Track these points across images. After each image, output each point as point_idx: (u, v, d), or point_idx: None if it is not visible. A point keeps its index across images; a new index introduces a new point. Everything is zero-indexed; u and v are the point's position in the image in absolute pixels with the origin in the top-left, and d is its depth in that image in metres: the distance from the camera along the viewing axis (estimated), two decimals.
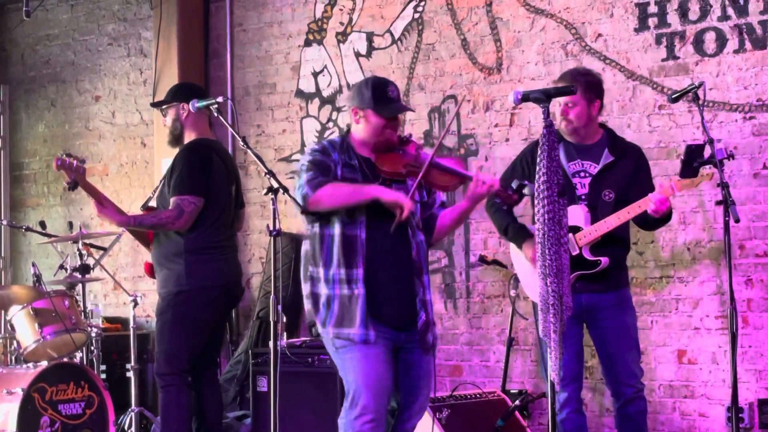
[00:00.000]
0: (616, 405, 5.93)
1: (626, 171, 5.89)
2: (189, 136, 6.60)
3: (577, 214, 5.85)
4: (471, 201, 5.28)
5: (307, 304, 5.35)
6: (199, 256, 6.40)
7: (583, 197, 5.89)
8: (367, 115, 5.30)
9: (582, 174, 5.92)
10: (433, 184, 5.28)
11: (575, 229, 5.84)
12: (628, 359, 5.88)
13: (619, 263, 5.96)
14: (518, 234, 6.04)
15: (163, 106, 6.70)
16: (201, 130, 6.63)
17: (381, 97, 5.30)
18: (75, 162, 6.85)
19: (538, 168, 4.60)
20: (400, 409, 5.38)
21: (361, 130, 5.33)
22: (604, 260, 5.83)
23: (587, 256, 5.84)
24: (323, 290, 5.25)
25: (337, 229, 5.23)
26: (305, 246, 5.38)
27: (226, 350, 8.63)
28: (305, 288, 5.35)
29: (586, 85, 5.85)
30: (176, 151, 6.58)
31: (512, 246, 6.12)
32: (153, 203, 6.79)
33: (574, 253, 5.79)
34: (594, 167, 5.91)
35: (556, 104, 5.84)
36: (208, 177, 6.44)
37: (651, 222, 5.87)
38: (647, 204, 5.68)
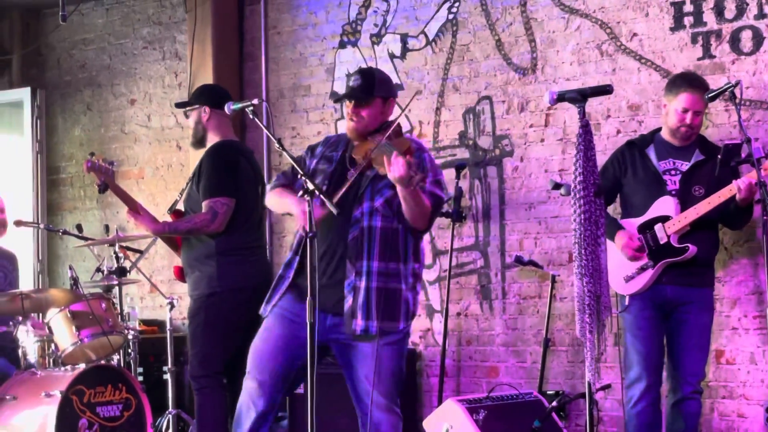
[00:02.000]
0: (672, 400, 6.04)
1: (716, 169, 6.01)
2: (212, 139, 6.62)
3: (667, 204, 6.10)
4: (397, 185, 5.19)
5: None
6: (230, 258, 6.42)
7: (673, 193, 6.12)
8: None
9: (672, 172, 6.17)
10: (378, 168, 5.29)
11: (664, 219, 6.08)
12: (695, 357, 6.10)
13: (707, 261, 6.20)
14: (609, 227, 6.05)
15: (186, 108, 6.73)
16: (224, 132, 6.64)
17: (345, 89, 5.60)
18: (105, 164, 6.90)
19: (574, 168, 4.59)
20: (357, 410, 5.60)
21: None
22: (692, 248, 6.03)
23: (675, 243, 6.05)
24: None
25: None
26: None
27: None
28: None
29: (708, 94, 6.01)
30: None
31: None
32: (180, 206, 6.81)
33: (662, 242, 6.05)
34: (684, 165, 6.15)
35: (671, 110, 6.16)
36: (235, 178, 6.47)
37: (736, 213, 6.06)
38: (735, 188, 5.86)
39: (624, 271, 6.14)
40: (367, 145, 5.38)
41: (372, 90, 5.49)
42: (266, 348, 5.48)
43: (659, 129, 6.34)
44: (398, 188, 5.19)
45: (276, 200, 5.56)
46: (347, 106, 5.50)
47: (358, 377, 5.49)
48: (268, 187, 5.65)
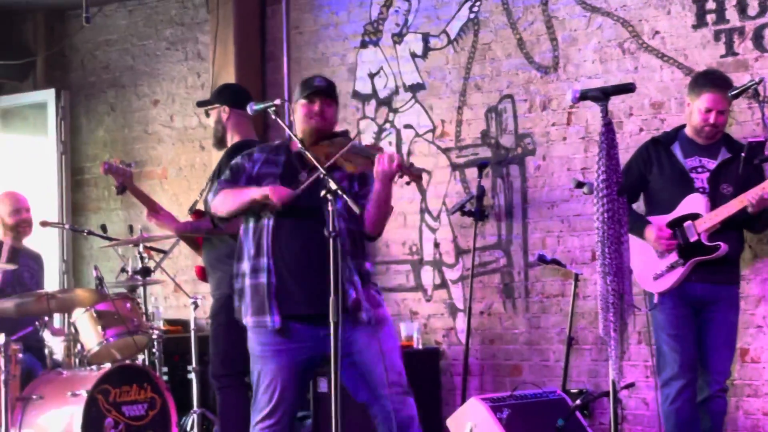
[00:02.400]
0: (698, 398, 6.01)
1: (740, 167, 6.01)
2: (232, 138, 6.64)
3: (696, 202, 6.08)
4: (379, 180, 5.26)
5: (235, 301, 5.51)
6: None
7: (701, 191, 6.10)
8: (295, 107, 5.54)
9: (699, 169, 6.14)
10: (345, 167, 5.36)
11: (693, 217, 6.05)
12: (723, 355, 6.11)
13: (734, 258, 6.19)
14: (636, 224, 6.07)
15: (206, 108, 6.76)
16: (244, 131, 6.66)
17: (305, 86, 5.54)
18: (122, 166, 6.93)
19: (596, 166, 4.59)
20: (372, 400, 5.50)
21: (296, 122, 5.55)
22: (723, 246, 6.01)
23: (705, 241, 6.02)
24: (240, 283, 5.43)
25: (250, 222, 5.44)
26: (223, 249, 5.72)
27: None
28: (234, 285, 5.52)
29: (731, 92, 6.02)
30: None
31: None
32: (200, 206, 6.83)
33: (692, 240, 6.03)
34: (711, 163, 6.12)
35: (695, 109, 6.11)
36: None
37: (757, 217, 6.04)
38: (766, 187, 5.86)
39: (653, 269, 6.12)
40: (326, 148, 5.40)
41: (335, 92, 5.63)
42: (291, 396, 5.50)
43: (683, 126, 6.29)
44: (378, 186, 5.27)
45: (230, 197, 5.41)
46: (313, 105, 5.48)
47: (370, 364, 5.44)
48: (212, 191, 5.51)
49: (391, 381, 5.43)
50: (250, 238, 5.41)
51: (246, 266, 5.41)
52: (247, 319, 5.40)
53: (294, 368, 5.42)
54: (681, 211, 6.11)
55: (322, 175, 5.33)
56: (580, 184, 7.03)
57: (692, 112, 6.13)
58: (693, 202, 6.05)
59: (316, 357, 5.43)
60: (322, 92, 5.53)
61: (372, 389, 5.47)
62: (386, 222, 5.47)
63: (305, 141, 5.46)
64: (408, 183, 5.39)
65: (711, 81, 6.14)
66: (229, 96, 6.68)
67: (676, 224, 6.10)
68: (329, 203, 5.13)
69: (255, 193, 5.34)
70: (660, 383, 6.14)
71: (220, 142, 6.72)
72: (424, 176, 8.24)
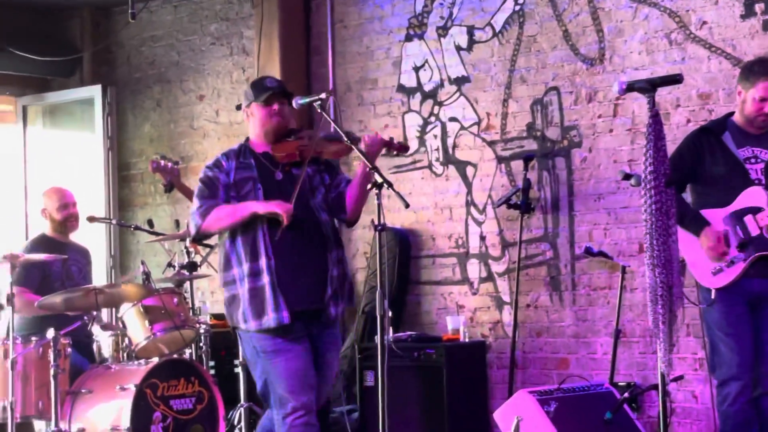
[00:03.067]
0: (753, 394, 5.90)
1: None
2: None
3: (757, 195, 5.85)
4: (366, 159, 5.50)
5: (226, 310, 5.67)
6: None
7: (756, 182, 5.89)
8: (252, 110, 5.71)
9: (753, 160, 5.93)
10: (323, 153, 5.63)
11: (755, 210, 5.83)
12: None
13: None
14: (695, 222, 5.90)
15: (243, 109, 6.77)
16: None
17: (260, 88, 5.70)
18: (170, 164, 6.96)
19: (644, 158, 4.57)
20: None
21: (252, 127, 5.72)
22: None
23: (767, 236, 5.81)
24: (237, 291, 5.56)
25: (237, 232, 5.57)
26: (219, 257, 5.73)
27: None
28: (224, 294, 5.67)
29: None
30: None
31: (678, 230, 5.93)
32: None
33: (754, 234, 5.82)
34: (765, 153, 5.93)
35: (749, 98, 5.90)
36: None
37: None
38: None
39: (711, 264, 5.90)
40: (295, 143, 5.59)
41: (287, 91, 5.79)
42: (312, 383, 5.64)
43: (730, 114, 6.14)
44: (361, 172, 5.56)
45: (226, 214, 5.55)
46: (272, 106, 5.64)
47: (325, 362, 5.69)
48: (197, 213, 5.60)
49: (325, 395, 5.80)
50: (239, 245, 5.56)
51: (239, 272, 5.55)
52: (250, 325, 5.52)
53: (304, 362, 5.56)
54: (740, 205, 5.89)
55: (368, 168, 5.36)
56: (627, 176, 6.98)
57: (745, 101, 5.97)
58: (753, 195, 5.82)
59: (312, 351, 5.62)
60: (278, 93, 5.69)
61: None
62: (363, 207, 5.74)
63: (267, 138, 5.68)
64: (396, 154, 5.64)
65: (766, 69, 6.01)
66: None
67: (736, 218, 5.96)
68: (377, 196, 5.21)
69: (258, 208, 5.48)
70: (716, 382, 5.98)
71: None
72: (470, 169, 8.23)
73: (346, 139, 5.54)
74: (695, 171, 6.03)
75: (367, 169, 5.46)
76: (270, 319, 5.45)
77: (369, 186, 5.49)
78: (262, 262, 5.48)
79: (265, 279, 5.47)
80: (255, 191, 5.58)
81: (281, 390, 5.50)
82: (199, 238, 5.69)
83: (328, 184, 5.71)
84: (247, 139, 5.79)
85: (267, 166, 5.64)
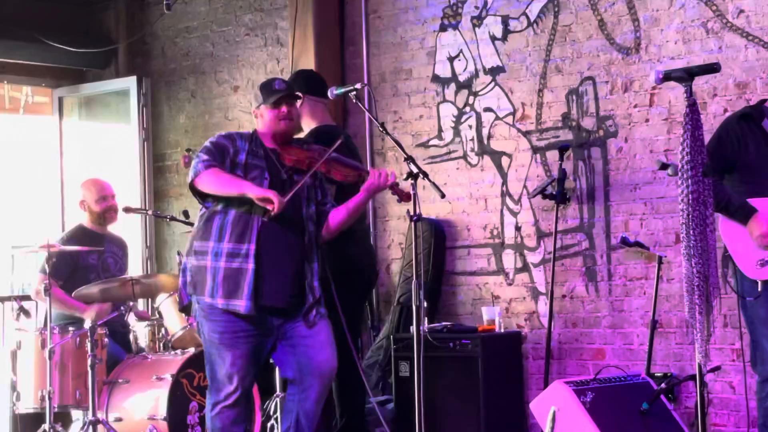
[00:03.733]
0: None
1: None
2: (309, 124, 6.67)
3: None
4: (367, 192, 5.73)
5: (188, 278, 5.68)
6: (332, 243, 6.45)
7: None
8: (262, 111, 5.82)
9: None
10: (332, 174, 5.75)
11: None
12: None
13: None
14: (742, 210, 5.74)
15: None
16: (320, 117, 6.70)
17: (268, 91, 5.81)
18: None
19: (681, 148, 4.55)
20: (297, 381, 5.72)
21: (261, 126, 5.83)
22: None
23: None
24: (208, 263, 5.58)
25: (232, 210, 5.61)
26: (197, 223, 5.77)
27: (368, 336, 8.70)
28: (188, 262, 5.69)
29: None
30: None
31: (722, 220, 5.81)
32: None
33: None
34: None
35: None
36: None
37: None
38: None
39: (757, 254, 5.71)
40: (303, 153, 5.71)
41: (295, 93, 5.92)
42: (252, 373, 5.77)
43: (764, 100, 6.05)
44: (362, 197, 5.74)
45: (223, 181, 5.59)
46: (280, 108, 5.75)
47: (311, 356, 5.72)
48: (202, 163, 5.65)
49: (322, 372, 5.73)
50: (229, 222, 5.59)
51: (214, 246, 5.58)
52: (216, 301, 5.56)
53: (254, 353, 5.66)
54: None
55: (405, 160, 5.37)
56: (664, 166, 6.95)
57: None
58: None
59: (269, 343, 5.72)
60: (286, 96, 5.79)
61: (302, 373, 5.71)
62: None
63: (274, 139, 5.77)
64: (399, 201, 5.79)
65: None
66: (302, 83, 6.71)
67: None
68: (413, 187, 5.26)
69: (253, 191, 5.52)
70: (759, 378, 5.86)
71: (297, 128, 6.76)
72: (505, 159, 8.21)
73: (356, 168, 5.79)
74: (736, 159, 5.85)
75: (372, 191, 5.73)
76: (240, 306, 5.53)
77: (359, 213, 5.84)
78: (249, 247, 5.54)
79: (249, 265, 5.53)
80: (261, 180, 5.64)
81: (221, 375, 5.61)
82: (193, 187, 5.69)
83: (318, 200, 5.84)
84: (255, 130, 5.89)
85: (275, 163, 5.73)
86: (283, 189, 5.59)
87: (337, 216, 5.82)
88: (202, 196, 5.71)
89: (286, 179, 5.71)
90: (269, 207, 5.44)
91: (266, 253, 5.58)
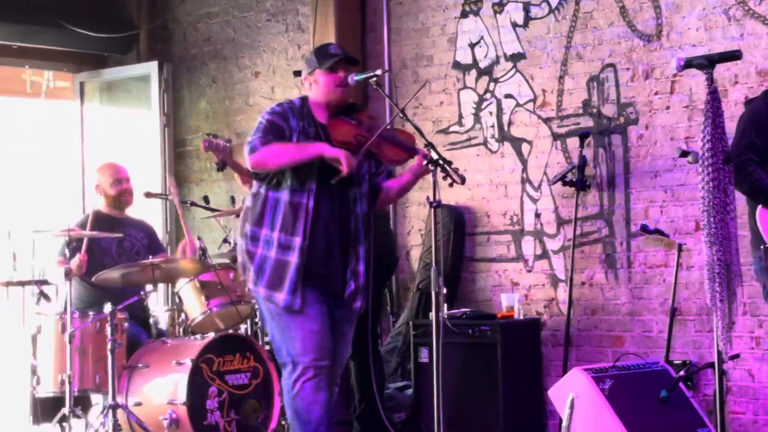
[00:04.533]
0: None
1: None
2: None
3: None
4: (414, 175, 5.53)
5: (240, 259, 5.58)
6: None
7: None
8: (316, 77, 5.55)
9: None
10: (382, 156, 5.51)
11: None
12: None
13: None
14: None
15: (301, 76, 6.77)
16: None
17: (325, 55, 5.54)
18: (222, 142, 6.97)
19: (702, 135, 4.54)
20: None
21: (315, 93, 5.56)
22: None
23: None
24: (259, 250, 5.46)
25: (284, 194, 5.44)
26: (247, 203, 5.58)
27: (387, 322, 8.71)
28: (241, 243, 5.56)
29: None
30: None
31: (760, 215, 5.70)
32: None
33: None
34: None
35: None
36: None
37: None
38: None
39: None
40: (351, 130, 5.46)
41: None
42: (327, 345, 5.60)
43: None
44: (410, 178, 5.56)
45: (289, 149, 5.38)
46: (338, 73, 5.51)
47: (342, 333, 5.67)
48: (258, 140, 5.41)
49: (341, 367, 5.77)
50: (282, 210, 5.43)
51: (268, 234, 5.45)
52: (259, 290, 5.48)
53: (321, 324, 5.50)
54: None
55: (425, 146, 5.36)
56: (684, 153, 6.94)
57: None
58: None
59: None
60: (343, 60, 5.56)
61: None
62: None
63: (328, 108, 5.55)
64: (450, 185, 5.57)
65: None
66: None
67: None
68: (434, 173, 5.21)
69: (326, 150, 5.34)
70: None
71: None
72: (525, 146, 8.20)
73: (407, 150, 5.55)
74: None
75: (419, 175, 5.53)
76: (280, 299, 5.43)
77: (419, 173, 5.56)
78: (297, 240, 5.40)
79: (294, 258, 5.41)
80: (310, 166, 5.44)
81: (293, 350, 5.45)
82: (253, 169, 5.45)
83: (372, 173, 5.68)
84: (306, 98, 5.64)
85: (322, 140, 5.51)
86: (333, 171, 5.41)
87: (388, 193, 5.69)
88: (258, 175, 5.52)
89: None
90: (340, 168, 5.31)
91: (316, 244, 5.44)
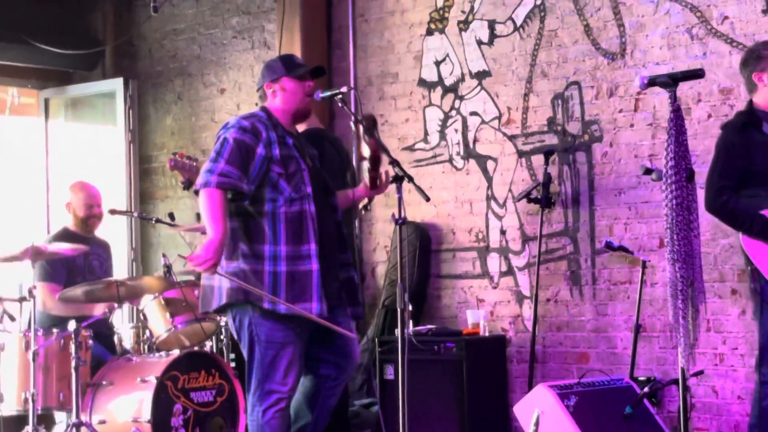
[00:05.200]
0: None
1: None
2: (298, 128, 6.64)
3: None
4: (375, 190, 5.70)
5: (237, 282, 5.26)
6: None
7: None
8: (283, 84, 5.43)
9: None
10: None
11: None
12: None
13: None
14: (765, 230, 5.52)
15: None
16: (309, 120, 6.66)
17: (292, 63, 5.46)
18: (188, 161, 6.96)
19: (665, 153, 4.57)
20: (336, 373, 5.57)
21: (280, 101, 5.42)
22: None
23: None
24: (266, 267, 5.24)
25: (279, 204, 5.28)
26: (232, 223, 5.32)
27: None
28: (231, 265, 5.30)
29: None
30: None
31: (743, 239, 5.60)
32: None
33: None
34: None
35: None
36: (321, 164, 6.49)
37: None
38: None
39: None
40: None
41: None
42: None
43: (750, 104, 5.93)
44: (368, 193, 5.71)
45: (213, 211, 5.20)
46: (306, 83, 5.45)
47: (350, 349, 5.61)
48: (216, 178, 5.22)
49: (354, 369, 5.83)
50: (282, 221, 5.26)
51: (270, 249, 5.25)
52: (279, 306, 5.25)
53: (301, 357, 5.45)
54: None
55: (390, 163, 5.37)
56: (648, 171, 6.99)
57: None
58: None
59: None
60: (312, 71, 5.51)
61: (340, 370, 5.60)
62: None
63: (292, 121, 5.52)
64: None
65: None
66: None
67: None
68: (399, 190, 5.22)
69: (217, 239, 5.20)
70: (761, 379, 5.73)
71: None
72: (490, 163, 8.23)
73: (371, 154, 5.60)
74: (746, 172, 5.64)
75: (369, 191, 5.66)
76: (312, 308, 5.25)
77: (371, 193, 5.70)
78: (310, 247, 5.27)
79: (313, 265, 5.25)
80: (300, 173, 5.36)
81: (274, 379, 5.33)
82: (196, 192, 5.30)
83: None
84: (266, 108, 5.49)
85: (301, 147, 5.45)
86: (318, 175, 5.40)
87: (354, 197, 5.80)
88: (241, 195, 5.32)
89: (312, 164, 5.46)
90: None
91: (324, 248, 5.36)
